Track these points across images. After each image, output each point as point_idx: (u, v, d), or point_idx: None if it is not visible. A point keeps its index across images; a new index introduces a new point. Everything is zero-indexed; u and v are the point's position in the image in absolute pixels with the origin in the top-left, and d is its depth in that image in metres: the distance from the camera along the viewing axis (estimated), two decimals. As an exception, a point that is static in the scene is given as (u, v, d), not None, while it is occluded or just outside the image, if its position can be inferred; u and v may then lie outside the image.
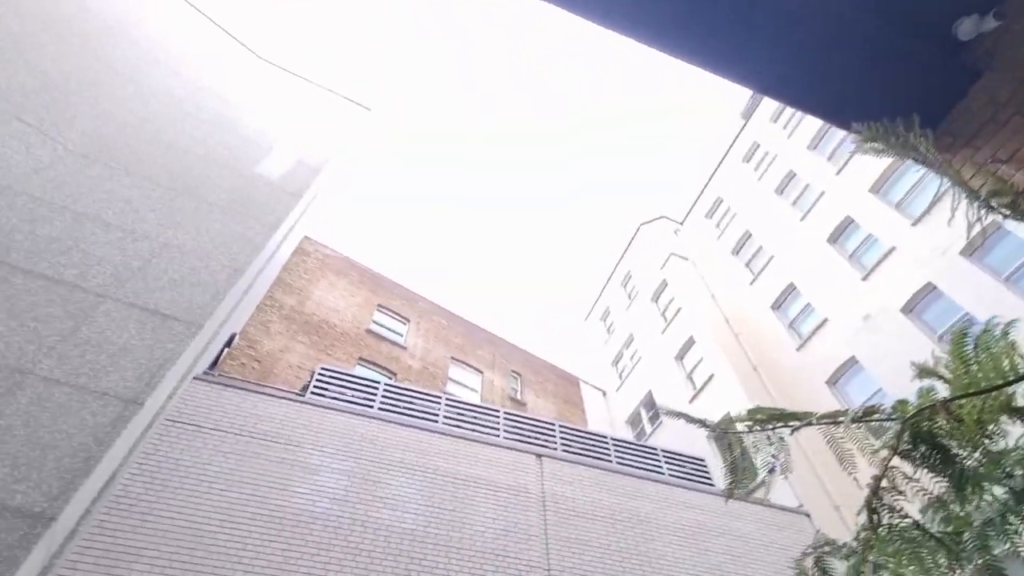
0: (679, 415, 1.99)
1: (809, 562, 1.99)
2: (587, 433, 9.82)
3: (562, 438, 9.43)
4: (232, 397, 7.32)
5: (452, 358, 13.23)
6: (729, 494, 2.05)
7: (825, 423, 1.82)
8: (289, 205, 9.18)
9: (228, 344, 8.79)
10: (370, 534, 6.59)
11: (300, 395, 7.97)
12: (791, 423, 1.85)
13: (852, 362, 12.42)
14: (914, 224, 12.13)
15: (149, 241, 7.19)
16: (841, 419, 1.79)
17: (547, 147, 57.15)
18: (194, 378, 7.24)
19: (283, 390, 7.94)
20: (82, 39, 9.34)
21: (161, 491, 6.05)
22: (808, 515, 9.31)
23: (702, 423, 2.00)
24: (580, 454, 9.22)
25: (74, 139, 7.81)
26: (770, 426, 1.84)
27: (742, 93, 19.46)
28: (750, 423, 1.88)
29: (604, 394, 18.12)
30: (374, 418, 8.04)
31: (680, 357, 15.96)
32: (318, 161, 10.64)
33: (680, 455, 10.01)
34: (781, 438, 1.84)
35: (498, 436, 8.89)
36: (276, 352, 9.79)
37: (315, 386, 8.36)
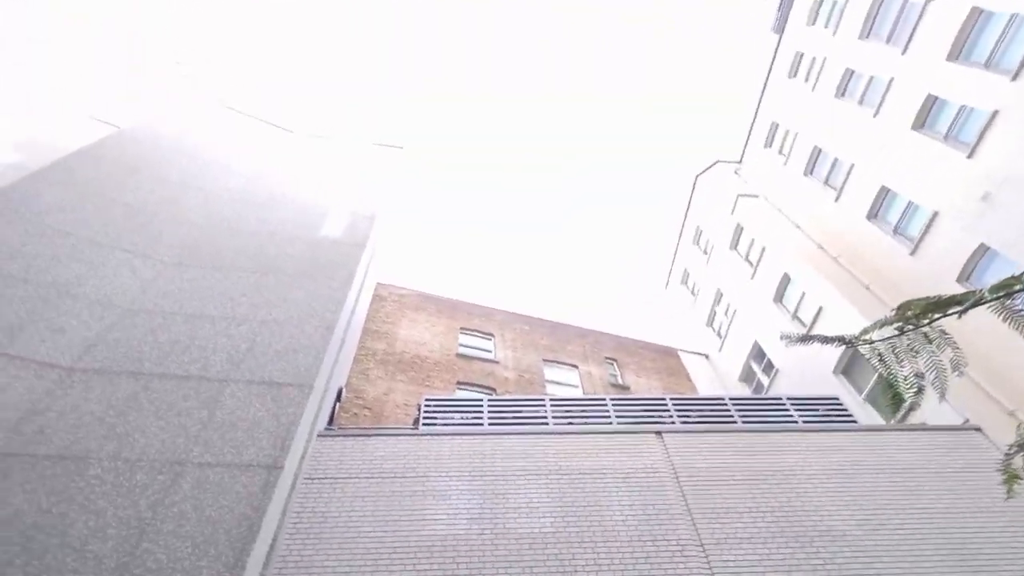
0: (809, 339, 1.81)
1: (1020, 460, 1.71)
2: (702, 399, 9.41)
3: (677, 410, 9.09)
4: (355, 445, 7.74)
5: (544, 360, 13.24)
6: (896, 412, 1.83)
7: (999, 297, 1.55)
8: (356, 256, 9.67)
9: (338, 398, 9.36)
10: (513, 545, 6.68)
11: (414, 428, 8.29)
12: (953, 309, 1.59)
13: (983, 250, 10.96)
14: (1014, 78, 10.57)
15: (249, 323, 7.84)
16: (1019, 286, 1.52)
17: (570, 121, 56.20)
18: (318, 435, 7.76)
19: (397, 427, 8.30)
20: (149, 166, 10.46)
21: (317, 544, 6.49)
22: (978, 429, 8.28)
23: (840, 340, 1.80)
24: (701, 421, 8.84)
25: (165, 253, 8.73)
26: (926, 320, 1.59)
27: (764, 10, 18.08)
28: (900, 323, 1.64)
29: (707, 357, 17.32)
30: (487, 434, 8.19)
31: (778, 299, 14.92)
32: (370, 209, 11.15)
33: (810, 399, 9.30)
34: (943, 332, 1.60)
35: (610, 423, 8.74)
36: (381, 396, 10.29)
37: (424, 418, 8.68)
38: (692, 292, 21.42)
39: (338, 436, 7.83)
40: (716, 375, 16.78)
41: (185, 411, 6.47)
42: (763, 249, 16.06)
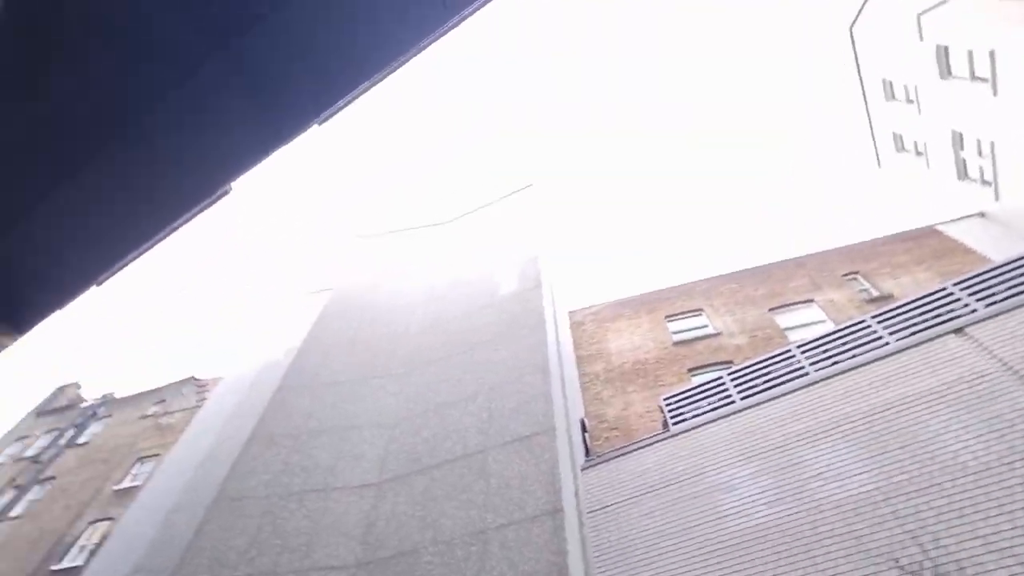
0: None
1: None
2: (1004, 268, 7.20)
3: (972, 294, 7.10)
4: (616, 467, 7.75)
5: (770, 310, 11.72)
6: None
7: None
8: (537, 298, 10.09)
9: (584, 429, 9.59)
10: (833, 515, 5.77)
11: (665, 432, 7.99)
12: None
13: None
14: None
15: (480, 395, 8.66)
16: None
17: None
18: (582, 470, 7.99)
19: (649, 436, 8.09)
20: (360, 307, 12.67)
21: (614, 569, 6.51)
22: None
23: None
24: (1017, 294, 6.72)
25: (397, 367, 10.31)
26: None
27: None
28: None
29: (982, 215, 13.33)
30: (742, 410, 7.46)
31: (1052, 97, 10.93)
32: (530, 252, 11.67)
33: None
34: None
35: (886, 344, 7.20)
36: (621, 413, 10.24)
37: (671, 417, 8.31)
38: (917, 152, 17.07)
39: (598, 464, 7.95)
40: (1007, 230, 12.75)
41: (467, 487, 7.31)
42: (992, 53, 12.16)
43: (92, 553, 15.04)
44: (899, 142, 18.11)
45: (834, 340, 7.90)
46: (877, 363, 6.92)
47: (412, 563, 6.68)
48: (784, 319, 11.49)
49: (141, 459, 18.98)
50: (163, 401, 22.82)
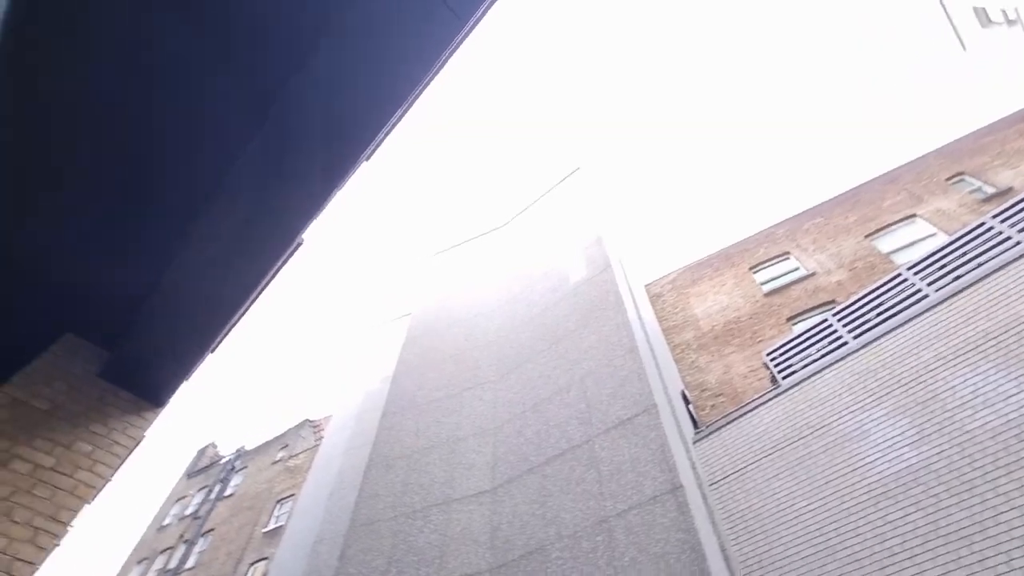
0: None
1: None
2: None
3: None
4: (730, 434, 7.38)
5: (866, 236, 10.66)
6: None
7: None
8: (610, 278, 9.86)
9: (687, 402, 9.22)
10: (995, 447, 5.11)
11: (775, 387, 7.49)
12: None
13: None
14: None
15: (573, 386, 8.59)
16: None
17: None
18: (693, 443, 7.68)
19: (759, 396, 7.62)
20: (440, 321, 13.03)
21: (765, 539, 6.16)
22: None
23: None
24: None
25: (488, 373, 10.46)
26: None
27: None
28: None
29: (1111, 71, 11.32)
30: (858, 349, 6.83)
31: None
32: (591, 232, 11.44)
33: None
34: None
35: (1017, 243, 6.29)
36: (722, 378, 9.74)
37: (779, 371, 7.78)
38: (1009, 21, 14.86)
39: (710, 434, 7.61)
40: None
41: (579, 479, 7.26)
42: None
43: (258, 591, 16.60)
44: (983, 16, 15.89)
45: (951, 253, 7.04)
46: (1012, 265, 6.07)
47: (542, 560, 6.73)
48: (885, 243, 10.41)
49: (279, 501, 20.74)
50: (287, 446, 24.84)
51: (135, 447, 3.76)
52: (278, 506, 20.51)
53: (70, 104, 2.67)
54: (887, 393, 6.27)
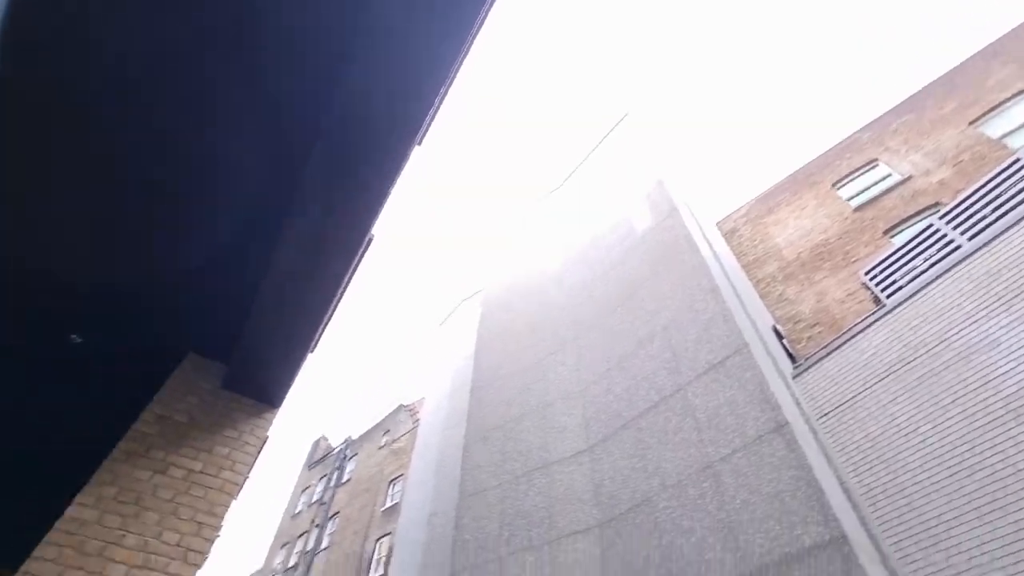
0: None
1: None
2: None
3: None
4: (834, 364, 6.94)
5: (969, 124, 9.37)
6: None
7: None
8: (677, 221, 9.45)
9: (780, 337, 8.76)
10: None
11: (880, 307, 6.92)
12: None
13: None
14: None
15: (656, 337, 8.41)
16: None
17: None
18: (793, 379, 7.31)
19: (861, 319, 7.07)
20: (503, 308, 13.15)
21: (887, 467, 5.80)
22: None
23: None
24: None
25: (563, 337, 10.48)
26: None
27: None
28: None
29: None
30: (972, 252, 6.12)
31: None
32: (652, 176, 10.96)
33: None
34: None
35: None
36: (817, 306, 9.11)
37: (881, 289, 7.17)
38: None
39: (810, 367, 7.21)
40: None
41: (676, 429, 7.16)
42: None
43: (386, 563, 18.13)
44: None
45: (1082, 123, 6.04)
46: None
47: (650, 511, 6.76)
48: (995, 127, 9.13)
49: (391, 481, 22.32)
50: (388, 431, 26.51)
51: (262, 446, 4.15)
52: (390, 486, 22.08)
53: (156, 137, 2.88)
54: (1017, 295, 5.59)
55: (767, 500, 5.66)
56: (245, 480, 3.99)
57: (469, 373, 12.37)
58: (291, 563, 25.11)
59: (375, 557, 19.62)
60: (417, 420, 21.53)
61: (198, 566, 3.25)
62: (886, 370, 6.37)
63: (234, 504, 3.85)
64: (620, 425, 8.02)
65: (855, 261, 9.07)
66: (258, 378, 3.90)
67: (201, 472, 3.47)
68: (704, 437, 6.71)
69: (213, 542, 3.47)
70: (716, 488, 6.21)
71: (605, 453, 7.99)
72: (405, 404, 27.34)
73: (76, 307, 3.63)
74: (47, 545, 2.81)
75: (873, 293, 7.33)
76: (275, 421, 4.25)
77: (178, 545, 3.05)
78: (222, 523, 3.53)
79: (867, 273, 7.49)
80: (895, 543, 5.40)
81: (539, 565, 7.56)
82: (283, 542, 27.98)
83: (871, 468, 5.94)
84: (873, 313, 6.96)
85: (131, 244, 3.26)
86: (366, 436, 27.64)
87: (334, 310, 3.90)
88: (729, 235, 11.68)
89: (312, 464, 31.82)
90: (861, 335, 6.80)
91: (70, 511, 2.96)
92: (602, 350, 9.36)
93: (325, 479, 27.20)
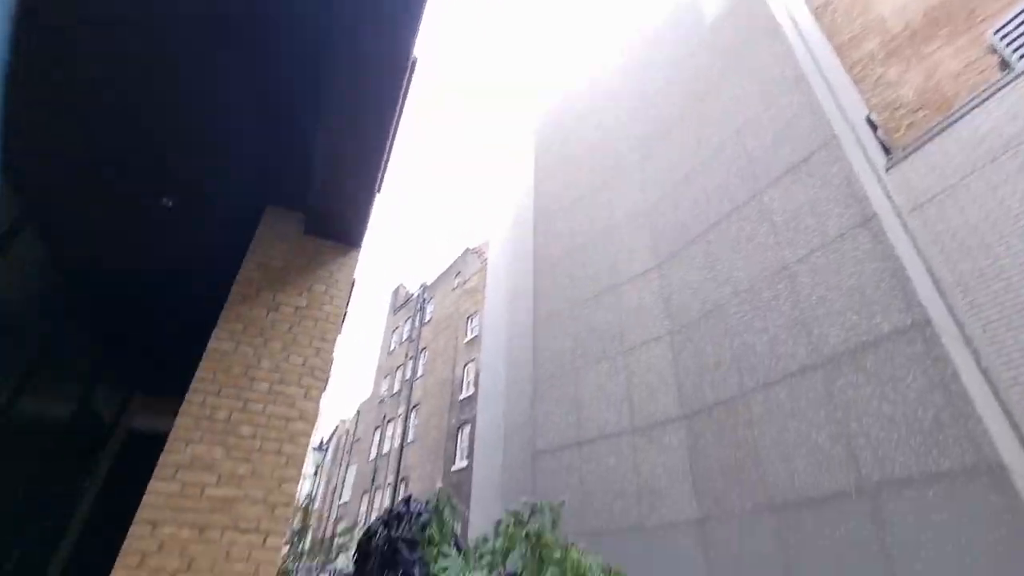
0: None
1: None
2: None
3: None
4: (938, 148, 6.20)
5: None
6: None
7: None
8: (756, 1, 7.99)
9: (874, 128, 7.79)
10: None
11: (1007, 72, 5.84)
12: None
13: None
14: None
15: (728, 143, 7.75)
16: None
17: None
18: (886, 170, 6.66)
19: (983, 90, 6.05)
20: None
21: (966, 254, 5.44)
22: None
23: None
24: None
25: (625, 156, 9.94)
26: None
27: None
28: None
29: None
30: None
31: None
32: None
33: None
34: None
35: None
36: (925, 85, 7.80)
37: (1015, 51, 5.96)
38: None
39: (909, 155, 6.50)
40: None
41: (749, 237, 6.96)
42: None
43: (475, 384, 20.73)
44: None
45: None
46: None
47: (721, 316, 6.97)
48: None
49: (468, 317, 24.36)
50: (459, 273, 28.12)
51: (352, 285, 4.49)
52: (468, 321, 24.19)
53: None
54: None
55: (846, 294, 5.60)
56: (345, 314, 4.43)
57: (531, 208, 12.35)
58: (395, 389, 29.39)
59: (465, 380, 22.42)
60: (484, 260, 22.50)
61: (323, 381, 3.81)
62: (1003, 147, 5.61)
63: (340, 337, 4.33)
64: (689, 239, 7.91)
65: (982, 20, 7.46)
66: (335, 221, 4.06)
67: (307, 307, 3.86)
68: (780, 240, 6.51)
69: (331, 365, 4.01)
70: (791, 289, 6.20)
71: (674, 268, 8.05)
72: (471, 247, 28.45)
73: (164, 176, 3.80)
74: (202, 371, 3.37)
75: (1001, 56, 6.12)
76: (359, 262, 4.52)
77: (303, 364, 3.56)
78: (334, 348, 4.01)
79: (998, 31, 6.18)
80: (984, 326, 5.30)
81: (614, 371, 8.27)
82: (384, 374, 32.45)
83: (969, 254, 5.61)
84: (997, 81, 5.90)
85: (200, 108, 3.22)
86: (439, 280, 29.60)
87: (391, 145, 3.81)
88: (820, 11, 9.84)
89: (396, 309, 35.10)
90: (978, 109, 5.90)
91: (212, 344, 3.46)
92: (668, 166, 8.86)
93: (410, 320, 30.13)
